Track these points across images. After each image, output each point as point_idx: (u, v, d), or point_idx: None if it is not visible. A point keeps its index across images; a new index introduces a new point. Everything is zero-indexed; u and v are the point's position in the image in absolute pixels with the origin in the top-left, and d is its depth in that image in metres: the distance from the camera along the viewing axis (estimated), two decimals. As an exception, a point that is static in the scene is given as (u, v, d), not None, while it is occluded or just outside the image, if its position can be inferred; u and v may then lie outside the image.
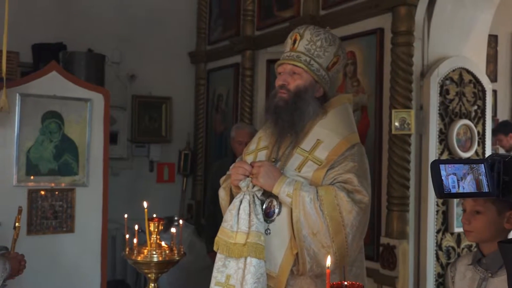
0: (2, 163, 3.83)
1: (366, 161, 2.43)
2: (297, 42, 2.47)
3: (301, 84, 2.41)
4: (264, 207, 2.32)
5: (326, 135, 2.37)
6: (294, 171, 2.33)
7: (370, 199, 2.32)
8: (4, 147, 3.84)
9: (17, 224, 2.96)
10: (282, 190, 2.26)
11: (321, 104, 2.46)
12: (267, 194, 2.33)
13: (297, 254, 2.25)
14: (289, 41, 2.53)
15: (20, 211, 3.02)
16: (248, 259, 2.21)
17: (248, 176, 2.33)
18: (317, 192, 2.23)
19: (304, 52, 2.44)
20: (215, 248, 2.32)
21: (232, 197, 2.46)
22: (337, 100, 2.52)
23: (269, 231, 2.30)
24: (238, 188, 2.37)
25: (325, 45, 2.45)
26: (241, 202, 2.29)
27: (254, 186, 2.31)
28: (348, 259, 2.31)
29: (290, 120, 2.39)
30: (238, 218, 2.26)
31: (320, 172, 2.31)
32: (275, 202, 2.32)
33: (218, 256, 2.31)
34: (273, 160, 2.42)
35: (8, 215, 3.38)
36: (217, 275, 2.29)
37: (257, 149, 2.52)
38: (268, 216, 2.32)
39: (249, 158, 2.51)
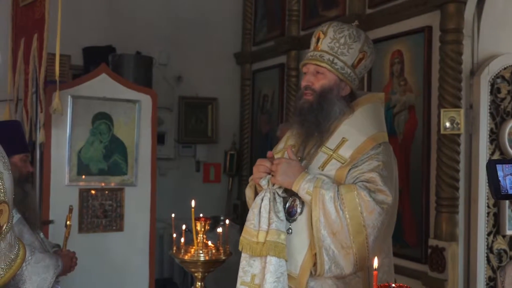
0: (55, 163, 3.96)
1: (392, 161, 2.34)
2: (320, 40, 2.40)
3: (325, 84, 2.36)
4: (287, 206, 2.29)
5: (351, 134, 2.31)
6: (318, 170, 2.29)
7: (394, 200, 2.23)
8: (57, 147, 3.97)
9: (68, 222, 3.05)
10: (302, 187, 2.20)
11: (348, 102, 2.39)
12: (290, 192, 2.29)
13: (315, 254, 2.19)
14: (313, 40, 2.46)
15: (71, 209, 3.11)
16: (268, 258, 2.18)
17: (269, 174, 2.29)
18: (337, 190, 2.17)
19: (327, 51, 2.37)
20: (239, 248, 2.30)
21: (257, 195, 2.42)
22: (366, 98, 2.45)
23: (290, 230, 2.25)
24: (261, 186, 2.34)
25: (349, 42, 2.36)
26: (262, 200, 2.25)
27: (274, 184, 2.27)
28: (369, 261, 2.20)
29: (315, 121, 2.34)
30: (260, 217, 2.23)
31: (343, 170, 2.25)
32: (297, 202, 2.27)
33: (243, 255, 2.29)
34: (299, 158, 2.38)
35: (60, 213, 3.50)
36: (243, 275, 2.28)
37: (285, 147, 2.49)
38: (290, 215, 2.28)
39: (277, 157, 2.45)
